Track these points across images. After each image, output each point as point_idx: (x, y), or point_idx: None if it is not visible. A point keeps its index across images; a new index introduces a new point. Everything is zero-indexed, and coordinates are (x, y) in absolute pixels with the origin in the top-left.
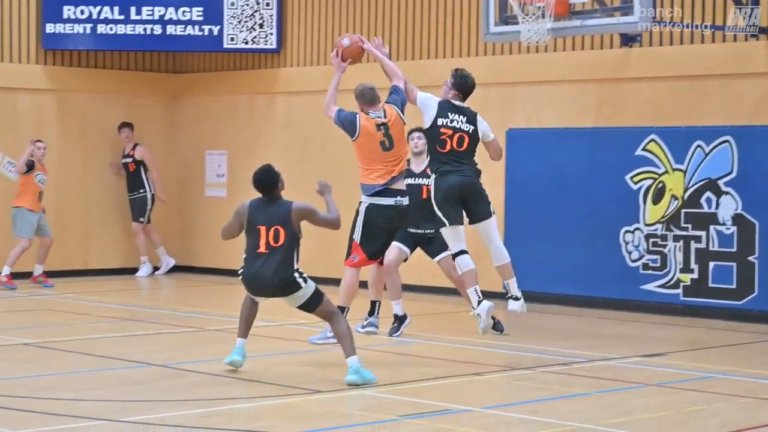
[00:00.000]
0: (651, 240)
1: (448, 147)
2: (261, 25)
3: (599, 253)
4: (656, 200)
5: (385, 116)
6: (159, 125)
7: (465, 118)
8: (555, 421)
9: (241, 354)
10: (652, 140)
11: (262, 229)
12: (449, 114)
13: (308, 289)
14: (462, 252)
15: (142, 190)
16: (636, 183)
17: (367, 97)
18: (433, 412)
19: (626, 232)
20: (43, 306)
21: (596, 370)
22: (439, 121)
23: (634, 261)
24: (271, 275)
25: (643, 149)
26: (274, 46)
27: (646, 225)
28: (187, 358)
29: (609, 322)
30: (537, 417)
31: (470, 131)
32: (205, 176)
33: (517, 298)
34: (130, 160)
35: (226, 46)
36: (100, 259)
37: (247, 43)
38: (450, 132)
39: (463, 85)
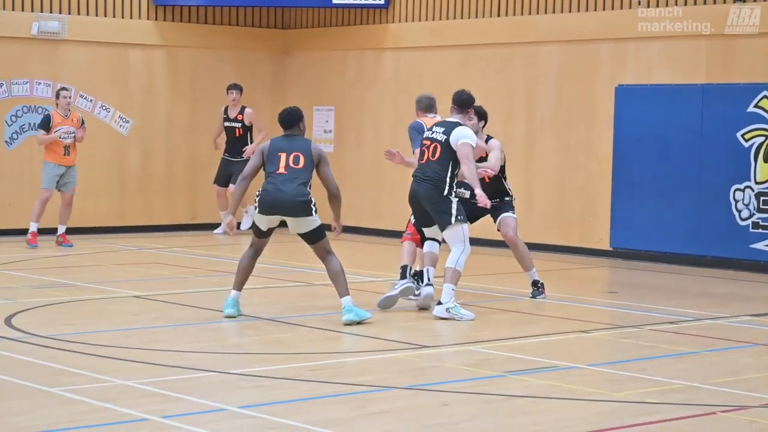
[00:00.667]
0: (762, 198)
1: (425, 157)
2: None
3: (709, 212)
4: (767, 158)
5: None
6: (267, 81)
7: (443, 129)
8: (662, 379)
9: (234, 307)
10: (765, 97)
11: (283, 155)
12: (433, 128)
13: (317, 220)
14: (431, 239)
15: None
16: (747, 140)
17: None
18: (540, 368)
19: (736, 190)
20: (152, 259)
21: (704, 329)
22: (425, 134)
23: (744, 219)
24: (291, 192)
25: (755, 106)
26: (382, 2)
27: (757, 183)
28: (295, 312)
29: (718, 281)
30: (644, 375)
31: (443, 140)
32: (313, 131)
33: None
34: (238, 125)
35: (334, 1)
36: (208, 215)
37: None
38: (428, 143)
39: (456, 98)
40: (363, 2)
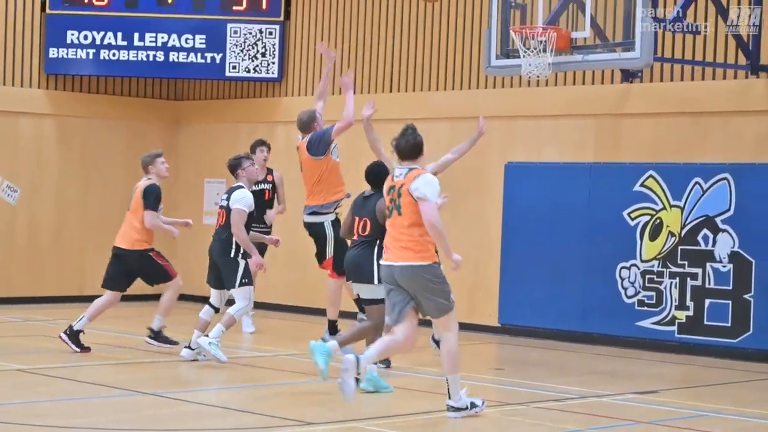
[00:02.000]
0: (647, 276)
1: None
2: (263, 54)
3: (595, 289)
4: (653, 236)
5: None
6: None
7: (226, 195)
8: None
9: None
10: (651, 176)
11: (356, 219)
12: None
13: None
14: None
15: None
16: (633, 219)
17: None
18: None
19: (623, 268)
20: (37, 331)
21: (590, 407)
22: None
23: (629, 297)
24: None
25: (642, 185)
26: (275, 75)
27: (643, 261)
28: (180, 388)
29: (604, 358)
30: None
31: (226, 206)
32: (204, 204)
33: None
34: (267, 186)
35: (228, 74)
36: (97, 286)
37: (248, 71)
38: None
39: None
40: (256, 75)
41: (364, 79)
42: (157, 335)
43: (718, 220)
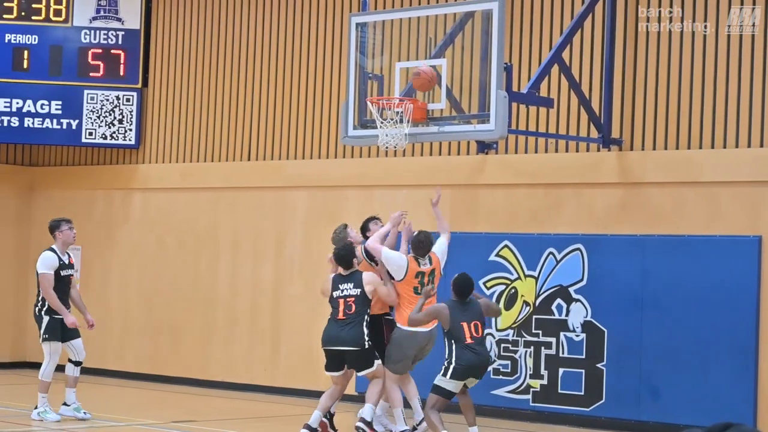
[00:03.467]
0: (502, 345)
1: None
2: (120, 121)
3: None
4: (508, 306)
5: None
6: (12, 218)
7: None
8: None
9: None
10: (506, 246)
11: (464, 324)
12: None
13: None
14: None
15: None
16: (489, 288)
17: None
18: None
19: None
20: None
21: None
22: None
23: None
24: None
25: (497, 255)
26: (133, 142)
27: (498, 330)
28: None
29: (459, 426)
30: None
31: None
32: None
33: None
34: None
35: (84, 140)
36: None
37: (105, 137)
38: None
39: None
40: (113, 142)
41: (222, 147)
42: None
43: (571, 289)
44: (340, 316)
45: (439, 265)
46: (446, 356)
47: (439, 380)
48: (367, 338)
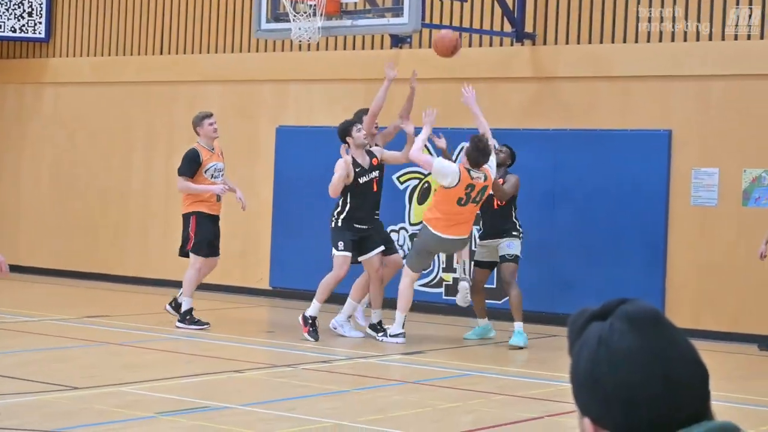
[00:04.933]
0: (415, 239)
1: None
2: (30, 14)
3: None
4: (421, 200)
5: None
6: None
7: None
8: (313, 417)
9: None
10: None
11: None
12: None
13: None
14: None
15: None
16: (402, 183)
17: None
18: (191, 409)
19: (392, 231)
20: None
21: (357, 368)
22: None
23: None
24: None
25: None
26: (42, 36)
27: (411, 225)
28: None
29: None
30: (295, 414)
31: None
32: None
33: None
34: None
35: None
36: None
37: (14, 31)
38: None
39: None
40: (22, 35)
41: (135, 41)
42: (183, 316)
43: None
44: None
45: (491, 184)
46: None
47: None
48: (334, 219)
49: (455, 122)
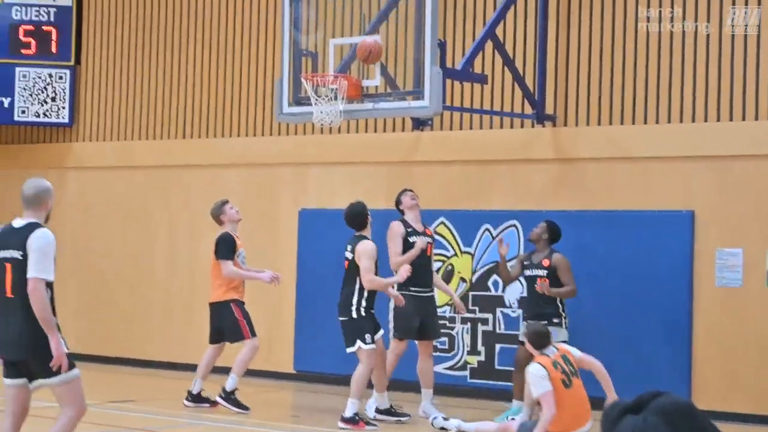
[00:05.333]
0: (439, 322)
1: None
2: (53, 99)
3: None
4: (445, 282)
5: None
6: None
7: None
8: None
9: None
10: (442, 223)
11: None
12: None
13: None
14: None
15: None
16: None
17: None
18: None
19: None
20: None
21: None
22: None
23: None
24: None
25: (433, 231)
26: (66, 120)
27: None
28: None
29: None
30: None
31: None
32: None
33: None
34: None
35: (16, 118)
36: None
37: (38, 116)
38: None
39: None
40: (46, 120)
41: (157, 125)
42: (227, 396)
43: (508, 265)
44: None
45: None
46: None
47: None
48: (354, 308)
49: (476, 204)
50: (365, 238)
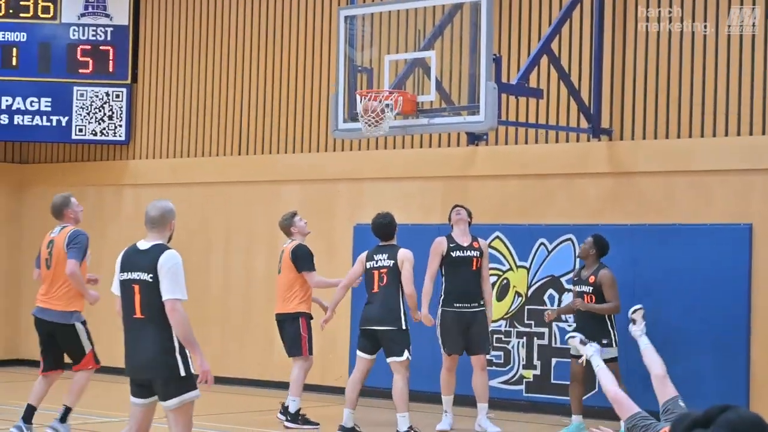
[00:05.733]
0: (495, 336)
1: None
2: (110, 117)
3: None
4: (500, 297)
5: None
6: (2, 217)
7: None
8: None
9: None
10: (497, 237)
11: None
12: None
13: None
14: None
15: None
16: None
17: None
18: None
19: None
20: None
21: None
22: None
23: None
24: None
25: (489, 246)
26: (123, 138)
27: (492, 322)
28: None
29: (457, 417)
30: None
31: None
32: None
33: None
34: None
35: (74, 137)
36: None
37: (95, 134)
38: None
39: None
40: (103, 138)
41: (213, 142)
42: (294, 417)
43: (563, 280)
44: (375, 289)
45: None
46: None
47: None
48: (402, 317)
49: (531, 219)
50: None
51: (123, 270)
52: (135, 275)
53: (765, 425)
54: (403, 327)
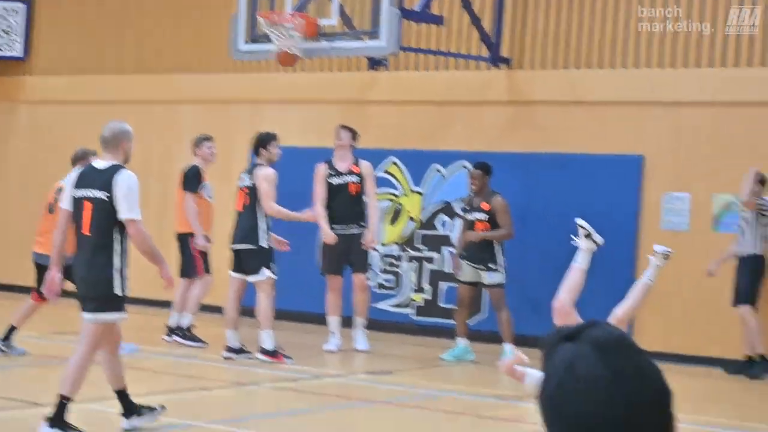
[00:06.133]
0: (387, 260)
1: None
2: (7, 32)
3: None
4: (394, 221)
5: None
6: None
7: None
8: None
9: None
10: (393, 163)
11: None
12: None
13: None
14: None
15: None
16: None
17: None
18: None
19: None
20: None
21: (323, 387)
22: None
23: (368, 280)
24: None
25: (385, 171)
26: (20, 54)
27: (383, 245)
28: None
29: (343, 339)
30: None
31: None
32: None
33: None
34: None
35: None
36: None
37: None
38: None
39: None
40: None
41: (111, 59)
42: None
43: (456, 206)
44: (240, 208)
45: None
46: None
47: None
48: (261, 236)
49: (428, 145)
50: (263, 165)
51: (77, 186)
52: (89, 192)
53: (629, 341)
54: (262, 245)
